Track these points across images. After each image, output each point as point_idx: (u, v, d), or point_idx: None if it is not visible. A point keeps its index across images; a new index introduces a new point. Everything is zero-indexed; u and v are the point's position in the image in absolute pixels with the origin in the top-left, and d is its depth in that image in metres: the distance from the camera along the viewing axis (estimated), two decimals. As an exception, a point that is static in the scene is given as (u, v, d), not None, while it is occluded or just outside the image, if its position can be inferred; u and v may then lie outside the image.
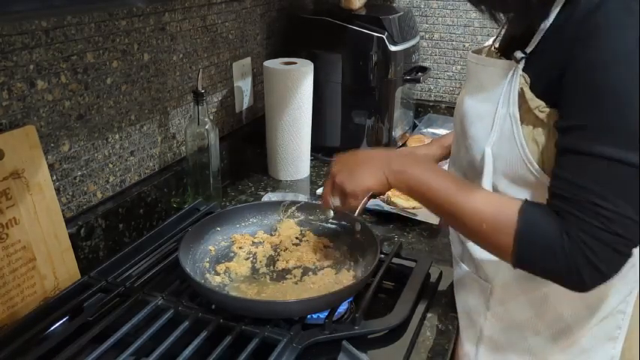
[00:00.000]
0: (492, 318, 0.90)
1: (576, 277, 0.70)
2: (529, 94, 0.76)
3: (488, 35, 1.82)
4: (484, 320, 0.90)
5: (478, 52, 0.92)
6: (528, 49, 0.77)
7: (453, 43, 1.88)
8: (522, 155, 0.78)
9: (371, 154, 0.92)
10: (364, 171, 0.87)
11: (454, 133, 0.96)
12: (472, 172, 0.86)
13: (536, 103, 0.76)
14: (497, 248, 0.76)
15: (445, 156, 1.21)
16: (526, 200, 0.74)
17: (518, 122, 0.77)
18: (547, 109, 0.75)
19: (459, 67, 1.90)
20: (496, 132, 0.80)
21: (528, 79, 0.77)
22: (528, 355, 0.89)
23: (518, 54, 0.77)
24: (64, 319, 0.87)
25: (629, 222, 0.68)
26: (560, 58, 0.73)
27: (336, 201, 0.92)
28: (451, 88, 1.93)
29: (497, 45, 0.91)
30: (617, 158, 0.67)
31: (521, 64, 0.77)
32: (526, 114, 0.77)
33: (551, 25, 0.75)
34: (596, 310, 0.86)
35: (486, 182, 0.82)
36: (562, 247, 0.69)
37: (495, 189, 0.82)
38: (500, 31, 0.92)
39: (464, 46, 1.87)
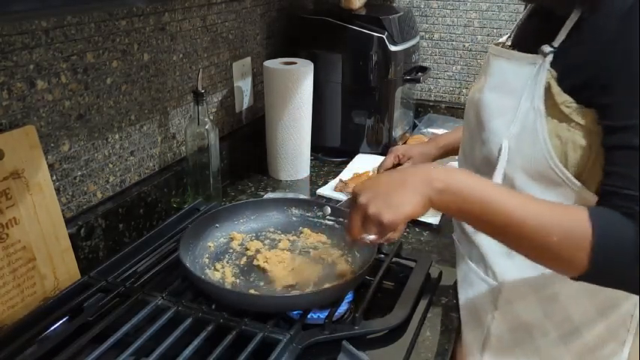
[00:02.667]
0: (500, 317, 0.88)
1: None
2: (556, 89, 0.74)
3: (488, 35, 1.83)
4: (491, 319, 0.89)
5: (498, 45, 0.90)
6: (556, 43, 0.75)
7: (453, 43, 1.88)
8: (544, 150, 0.76)
9: (404, 175, 0.78)
10: (402, 195, 0.74)
11: (466, 129, 0.94)
12: (486, 167, 0.84)
13: (563, 98, 0.74)
14: (569, 263, 0.69)
15: (440, 156, 1.22)
16: (589, 208, 0.70)
17: (543, 116, 0.76)
18: (574, 105, 0.74)
19: (459, 67, 1.90)
20: (517, 126, 0.78)
21: (555, 74, 0.75)
22: (535, 356, 0.88)
23: (547, 48, 0.75)
24: (64, 319, 0.87)
25: None
26: (596, 58, 0.71)
27: (370, 235, 0.78)
28: (451, 88, 1.93)
29: (509, 43, 0.89)
30: None
31: (549, 59, 0.75)
32: (551, 109, 0.75)
33: (579, 19, 0.73)
34: (606, 312, 0.84)
35: (498, 175, 0.80)
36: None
37: (512, 184, 0.80)
38: (517, 25, 0.90)
39: (464, 46, 1.87)
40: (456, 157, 1.34)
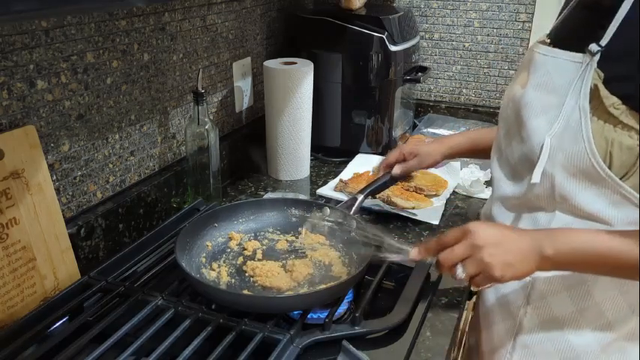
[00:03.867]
0: (533, 312, 0.90)
1: None
2: (604, 92, 0.74)
3: (488, 35, 1.83)
4: (524, 313, 0.90)
5: (542, 43, 0.88)
6: (604, 42, 0.74)
7: (453, 43, 1.88)
8: (587, 149, 0.76)
9: (519, 243, 0.79)
10: (518, 262, 0.77)
11: (502, 126, 0.93)
12: (523, 166, 0.85)
13: (612, 101, 0.74)
14: None
15: (447, 157, 1.22)
16: None
17: (588, 116, 0.75)
18: (622, 107, 0.74)
19: (459, 67, 1.90)
20: (561, 124, 0.78)
21: (602, 75, 0.74)
22: (568, 351, 0.89)
23: (594, 47, 0.74)
24: (64, 319, 0.87)
25: None
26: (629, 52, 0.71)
27: (462, 273, 0.80)
28: (451, 88, 1.93)
29: (547, 39, 0.89)
30: None
31: (596, 58, 0.74)
32: (597, 110, 0.75)
33: (626, 17, 0.72)
34: (638, 309, 0.85)
35: (537, 173, 0.80)
36: None
37: (552, 180, 0.81)
38: (560, 19, 0.90)
39: (464, 46, 1.87)
40: (457, 160, 1.35)
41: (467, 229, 0.80)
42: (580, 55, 0.77)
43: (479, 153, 1.17)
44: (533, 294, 0.89)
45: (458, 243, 0.80)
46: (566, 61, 0.79)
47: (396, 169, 1.20)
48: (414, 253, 0.86)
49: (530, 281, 0.89)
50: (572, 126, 0.77)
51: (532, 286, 0.89)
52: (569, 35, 0.85)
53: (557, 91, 0.80)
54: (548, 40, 0.89)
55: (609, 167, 0.77)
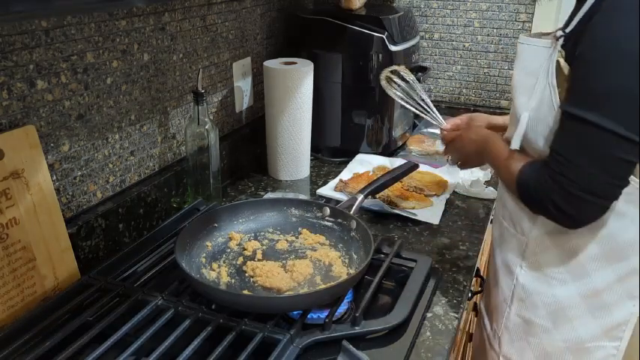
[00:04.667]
0: (527, 267, 1.04)
1: (550, 212, 0.89)
2: (563, 63, 0.88)
3: (488, 35, 1.83)
4: (520, 269, 1.05)
5: (534, 36, 1.02)
6: (568, 29, 0.89)
7: (453, 43, 1.88)
8: (559, 119, 0.89)
9: (471, 146, 1.15)
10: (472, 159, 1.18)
11: (513, 111, 1.07)
12: (525, 141, 0.97)
13: (568, 70, 0.88)
14: (512, 191, 0.98)
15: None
16: (529, 160, 0.93)
17: (556, 90, 0.89)
18: None
19: (459, 67, 1.90)
20: (535, 100, 0.93)
21: (563, 53, 0.89)
22: (553, 303, 1.02)
23: (559, 33, 0.90)
24: (64, 319, 0.87)
25: (583, 171, 0.83)
26: (580, 36, 0.85)
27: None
28: (451, 88, 1.93)
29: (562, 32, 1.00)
30: (581, 117, 0.83)
31: (560, 41, 0.89)
32: (561, 83, 0.89)
33: (588, 10, 0.86)
34: (618, 267, 0.96)
35: (516, 140, 0.96)
36: (536, 187, 0.90)
37: (536, 146, 0.94)
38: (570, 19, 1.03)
39: (464, 46, 1.87)
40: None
41: (460, 134, 1.19)
42: (549, 41, 0.92)
43: None
44: (527, 251, 1.03)
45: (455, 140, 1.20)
46: (538, 47, 0.94)
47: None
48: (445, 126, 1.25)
49: (524, 240, 1.03)
50: (545, 101, 0.91)
51: (526, 244, 1.03)
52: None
53: (533, 73, 0.94)
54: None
55: None
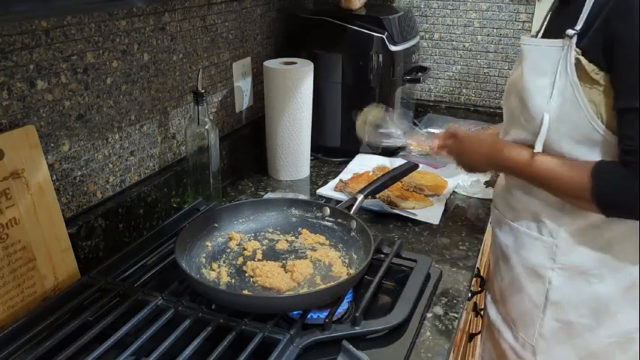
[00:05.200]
0: (559, 269, 1.03)
1: None
2: (584, 61, 0.89)
3: (488, 35, 1.83)
4: (552, 272, 1.03)
5: (526, 37, 1.04)
6: (578, 27, 0.90)
7: (453, 43, 1.88)
8: (587, 115, 0.90)
9: (477, 156, 1.14)
10: (474, 166, 1.17)
11: (506, 113, 1.09)
12: (536, 135, 0.97)
13: (592, 67, 0.89)
14: (577, 202, 0.95)
15: None
16: (596, 162, 0.91)
17: (579, 87, 0.90)
18: (601, 72, 0.89)
19: (459, 67, 1.90)
20: (556, 100, 0.92)
21: (579, 50, 0.90)
22: (594, 300, 1.01)
23: (570, 31, 0.90)
24: (64, 319, 0.87)
25: None
26: (602, 33, 0.87)
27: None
28: (451, 88, 1.93)
29: (539, 36, 1.05)
30: None
31: (574, 40, 0.90)
32: (582, 79, 0.90)
33: (593, 4, 0.89)
34: None
35: (539, 144, 0.95)
36: (632, 191, 0.85)
37: (560, 150, 0.95)
38: (547, 20, 1.06)
39: (464, 46, 1.87)
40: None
41: (458, 136, 1.18)
42: (559, 40, 0.93)
43: None
44: (558, 253, 1.02)
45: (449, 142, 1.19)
46: (548, 47, 0.94)
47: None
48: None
49: (553, 242, 1.02)
50: (568, 99, 0.91)
51: (556, 246, 1.02)
52: (552, 29, 1.01)
53: (546, 73, 0.94)
54: (540, 36, 1.04)
55: (606, 126, 0.90)
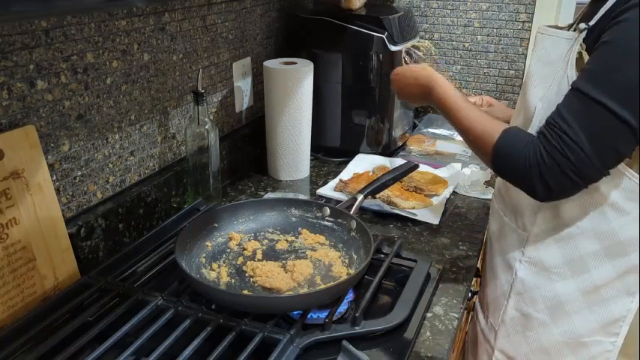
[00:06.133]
0: (526, 262, 1.05)
1: (531, 185, 0.88)
2: (586, 56, 0.90)
3: (488, 35, 1.83)
4: (519, 264, 1.05)
5: (551, 27, 1.04)
6: (592, 22, 0.90)
7: (453, 43, 1.88)
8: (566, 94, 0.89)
9: (414, 89, 1.17)
10: (412, 96, 1.19)
11: (519, 98, 1.09)
12: (528, 123, 0.98)
13: None
14: (483, 157, 0.96)
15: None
16: (510, 126, 0.94)
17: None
18: None
19: (459, 67, 1.90)
20: (552, 89, 0.93)
21: (584, 45, 0.90)
22: (552, 298, 1.03)
23: (582, 25, 0.91)
24: (64, 319, 0.87)
25: (583, 155, 0.82)
26: (603, 30, 0.87)
27: None
28: (451, 88, 1.93)
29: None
30: (597, 100, 0.81)
31: (583, 34, 0.90)
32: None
33: (612, 5, 0.88)
34: (618, 264, 0.97)
35: (532, 131, 0.94)
36: (525, 157, 0.87)
37: None
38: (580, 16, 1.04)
39: (464, 46, 1.87)
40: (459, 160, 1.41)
41: (397, 70, 1.22)
42: (571, 32, 0.93)
43: None
44: (528, 246, 1.03)
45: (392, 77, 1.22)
46: (560, 38, 0.95)
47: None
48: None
49: (525, 235, 1.03)
50: (562, 91, 0.90)
51: (527, 239, 1.03)
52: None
53: (552, 64, 0.94)
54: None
55: None
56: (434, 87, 1.10)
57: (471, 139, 0.98)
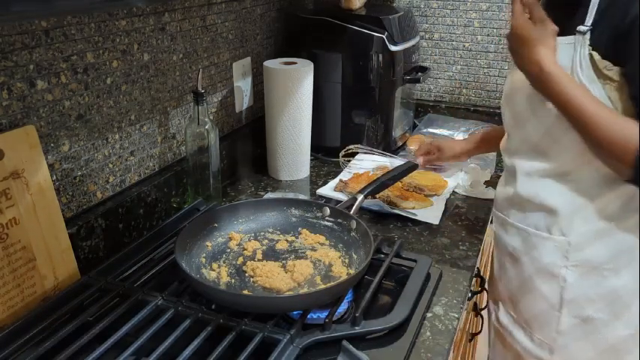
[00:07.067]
0: (573, 267, 1.03)
1: None
2: (597, 57, 0.90)
3: (488, 35, 1.83)
4: (566, 270, 1.03)
5: None
6: (588, 22, 0.91)
7: (453, 43, 1.88)
8: None
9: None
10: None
11: (508, 117, 1.07)
12: (546, 141, 0.98)
13: (604, 64, 0.90)
14: (617, 162, 0.89)
15: (469, 152, 1.46)
16: None
17: (596, 82, 0.91)
18: (614, 68, 0.89)
19: (459, 67, 1.90)
20: None
21: (590, 47, 0.91)
22: (610, 294, 1.02)
23: (583, 28, 0.91)
24: (64, 319, 0.87)
25: None
26: (618, 24, 0.87)
27: None
28: (451, 88, 1.93)
29: None
30: None
31: (588, 35, 0.91)
32: (597, 75, 0.90)
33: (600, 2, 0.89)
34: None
35: (553, 136, 0.95)
36: None
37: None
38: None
39: (464, 46, 1.87)
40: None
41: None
42: (571, 37, 0.93)
43: (491, 146, 1.40)
44: (571, 251, 1.02)
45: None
46: (561, 44, 0.94)
47: (420, 160, 1.47)
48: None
49: (565, 240, 1.02)
50: None
51: (569, 244, 1.02)
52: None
53: (566, 69, 0.93)
54: None
55: None
56: (548, 73, 0.93)
57: (604, 140, 0.88)
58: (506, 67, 1.85)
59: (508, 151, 1.11)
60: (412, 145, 1.71)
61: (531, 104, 0.99)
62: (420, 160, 1.46)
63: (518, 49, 0.96)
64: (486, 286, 1.33)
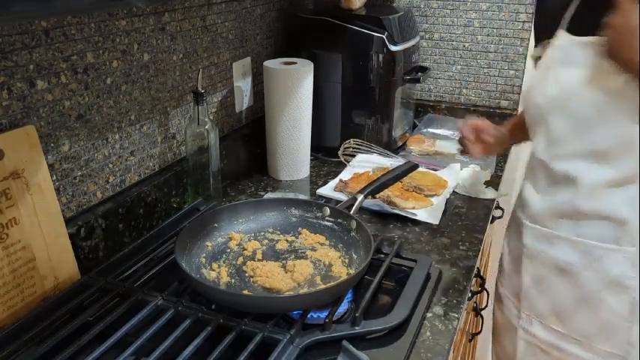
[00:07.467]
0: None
1: None
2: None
3: (488, 35, 1.83)
4: (637, 281, 1.01)
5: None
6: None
7: (453, 43, 1.88)
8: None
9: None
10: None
11: (565, 125, 1.01)
12: (618, 148, 0.96)
13: None
14: None
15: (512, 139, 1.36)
16: None
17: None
18: None
19: (459, 67, 1.90)
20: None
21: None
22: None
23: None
24: (64, 319, 0.87)
25: None
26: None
27: None
28: (451, 88, 1.93)
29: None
30: None
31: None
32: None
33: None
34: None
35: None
36: None
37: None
38: (568, 19, 1.02)
39: (464, 46, 1.87)
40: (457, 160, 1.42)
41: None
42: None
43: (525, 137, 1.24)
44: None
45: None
46: (599, 45, 0.92)
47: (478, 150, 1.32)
48: None
49: (636, 250, 0.99)
50: None
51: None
52: (588, 28, 0.95)
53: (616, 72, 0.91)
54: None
55: None
56: None
57: None
58: (506, 67, 1.85)
59: (559, 158, 1.05)
60: (412, 145, 1.71)
61: (600, 109, 0.96)
62: (477, 150, 1.32)
63: (633, 42, 0.88)
64: (500, 292, 1.27)
